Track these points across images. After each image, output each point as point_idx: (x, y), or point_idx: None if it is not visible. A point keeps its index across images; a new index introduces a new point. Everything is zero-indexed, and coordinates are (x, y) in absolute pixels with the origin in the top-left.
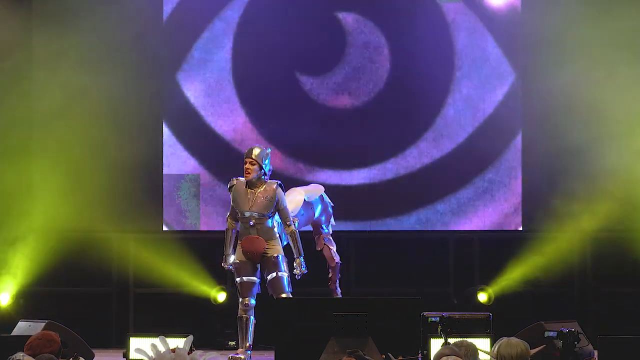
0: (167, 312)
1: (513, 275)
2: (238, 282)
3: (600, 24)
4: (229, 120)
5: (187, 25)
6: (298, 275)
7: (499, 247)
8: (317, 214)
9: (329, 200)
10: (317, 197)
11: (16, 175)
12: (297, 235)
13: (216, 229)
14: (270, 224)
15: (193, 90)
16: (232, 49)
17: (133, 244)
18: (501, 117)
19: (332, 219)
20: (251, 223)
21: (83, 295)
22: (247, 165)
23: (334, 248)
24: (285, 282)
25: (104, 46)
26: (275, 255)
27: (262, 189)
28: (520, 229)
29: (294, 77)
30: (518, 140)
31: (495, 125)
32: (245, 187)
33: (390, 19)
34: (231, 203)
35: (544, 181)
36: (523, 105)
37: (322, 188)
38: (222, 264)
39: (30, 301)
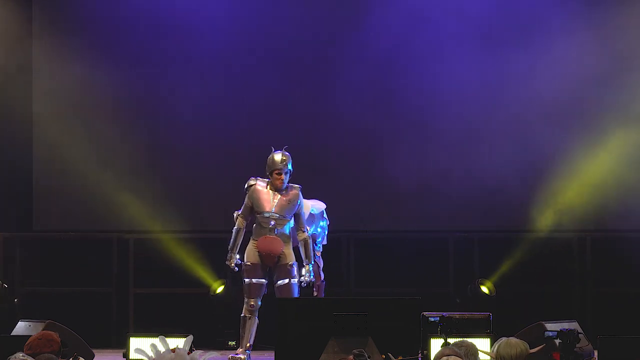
0: (167, 312)
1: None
2: (246, 282)
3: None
4: (230, 121)
5: (186, 25)
6: (304, 283)
7: (499, 247)
8: (316, 228)
9: (327, 217)
10: (319, 212)
11: (17, 175)
12: (310, 242)
13: (216, 229)
14: (287, 229)
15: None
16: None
17: (133, 244)
18: (499, 117)
19: (325, 238)
20: (272, 224)
21: (83, 295)
22: (281, 176)
23: (322, 266)
24: (296, 290)
25: (104, 45)
26: (291, 263)
27: (284, 191)
28: (521, 229)
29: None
30: (517, 140)
31: (494, 125)
32: (267, 188)
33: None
34: (246, 202)
35: (540, 182)
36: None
37: (324, 205)
38: (227, 262)
39: (31, 301)
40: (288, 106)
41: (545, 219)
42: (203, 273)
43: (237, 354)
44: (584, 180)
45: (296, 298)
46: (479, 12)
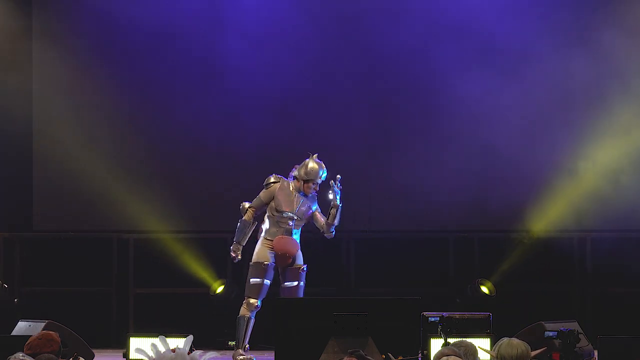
0: (167, 312)
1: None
2: (253, 282)
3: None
4: (229, 121)
5: (185, 26)
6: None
7: (499, 247)
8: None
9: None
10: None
11: (17, 174)
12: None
13: (216, 229)
14: (299, 232)
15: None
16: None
17: (133, 244)
18: (500, 118)
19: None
20: (290, 224)
21: (83, 295)
22: (312, 186)
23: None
24: (302, 293)
25: (104, 45)
26: (302, 267)
27: (307, 197)
28: (520, 228)
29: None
30: (515, 140)
31: (495, 125)
32: (291, 188)
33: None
34: (263, 197)
35: (540, 182)
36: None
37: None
38: (232, 253)
39: (31, 301)
40: (287, 106)
41: (545, 219)
42: (203, 273)
43: (245, 355)
44: (584, 180)
45: (296, 298)
46: (482, 18)
